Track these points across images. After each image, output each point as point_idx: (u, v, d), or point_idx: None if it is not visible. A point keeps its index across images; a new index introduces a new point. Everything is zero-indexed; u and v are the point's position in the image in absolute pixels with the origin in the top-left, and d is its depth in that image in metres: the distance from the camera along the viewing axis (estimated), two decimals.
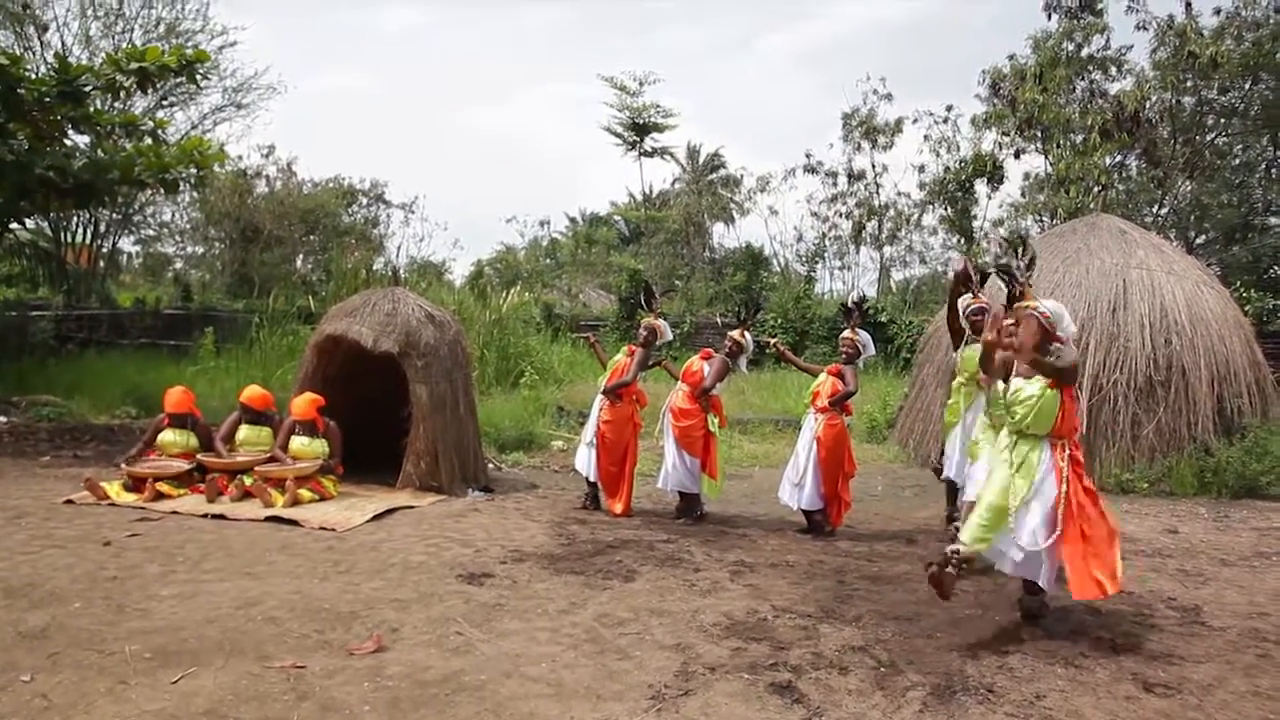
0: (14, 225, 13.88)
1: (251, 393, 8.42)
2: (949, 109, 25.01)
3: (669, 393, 8.05)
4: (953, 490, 7.32)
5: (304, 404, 8.08)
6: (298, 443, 8.00)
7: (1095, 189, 19.64)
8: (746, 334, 7.81)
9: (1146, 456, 9.99)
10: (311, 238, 25.65)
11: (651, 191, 34.46)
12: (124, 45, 16.85)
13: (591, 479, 8.04)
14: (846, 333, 7.52)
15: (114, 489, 7.56)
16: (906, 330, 20.03)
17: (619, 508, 7.84)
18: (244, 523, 6.92)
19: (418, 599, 5.14)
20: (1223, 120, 21.73)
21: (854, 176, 26.62)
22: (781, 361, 8.72)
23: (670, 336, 8.37)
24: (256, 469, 7.75)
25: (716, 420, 7.78)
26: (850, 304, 7.82)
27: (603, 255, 32.41)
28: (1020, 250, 5.28)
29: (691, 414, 7.68)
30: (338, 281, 17.27)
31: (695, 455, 7.68)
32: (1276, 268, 20.70)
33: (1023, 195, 24.25)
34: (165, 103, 20.00)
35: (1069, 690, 4.09)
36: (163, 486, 7.57)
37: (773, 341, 8.53)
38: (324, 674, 3.98)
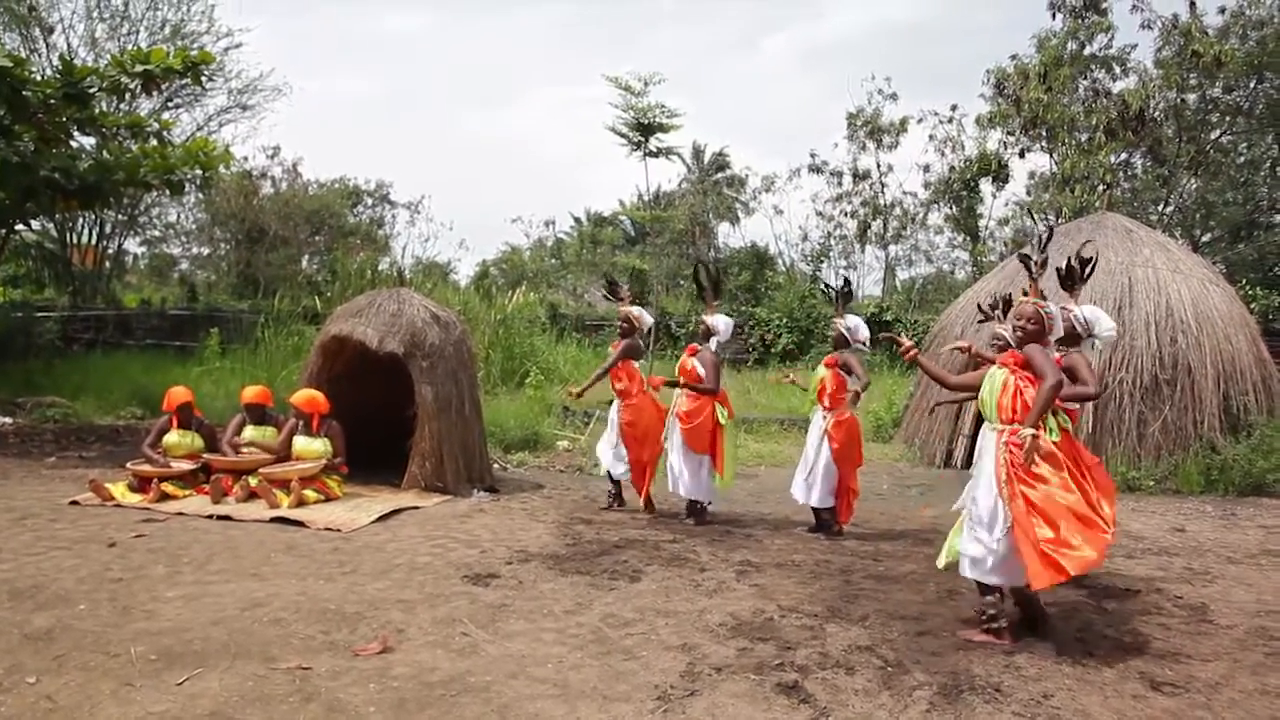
0: (20, 227, 13.91)
1: (251, 392, 8.42)
2: (954, 108, 25.05)
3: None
4: None
5: (304, 396, 8.08)
6: (300, 442, 8.00)
7: (1100, 187, 19.63)
8: (716, 315, 7.62)
9: (1153, 455, 9.99)
10: (317, 238, 25.69)
11: (658, 191, 34.47)
12: (129, 47, 16.87)
13: (615, 476, 8.05)
14: (836, 320, 7.31)
15: (119, 490, 7.57)
16: (912, 329, 20.01)
17: (643, 498, 7.90)
18: (249, 523, 6.92)
19: (423, 600, 5.14)
20: (1227, 119, 21.71)
21: (859, 176, 26.61)
22: (786, 361, 8.34)
23: (650, 321, 8.20)
24: (261, 470, 7.75)
25: (725, 412, 7.61)
26: (828, 288, 7.48)
27: (608, 255, 32.38)
28: (1040, 246, 5.18)
29: (696, 413, 7.52)
30: (343, 282, 17.29)
31: (704, 451, 7.52)
32: None
33: (1028, 194, 24.26)
34: (171, 104, 20.06)
35: (1076, 689, 4.07)
36: (168, 487, 7.59)
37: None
38: (329, 675, 3.97)
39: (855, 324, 7.28)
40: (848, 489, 7.36)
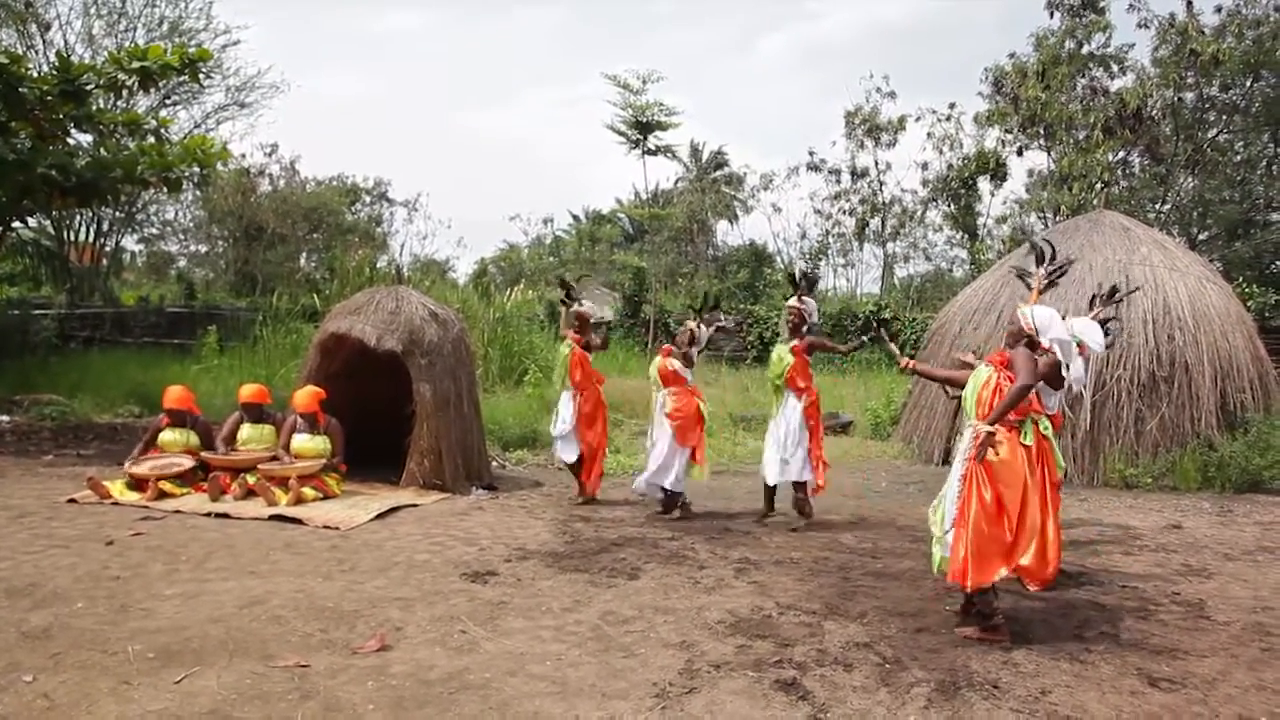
0: (17, 224, 13.89)
1: (249, 390, 8.40)
2: (952, 106, 25.09)
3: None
4: None
5: (305, 396, 8.07)
6: (300, 440, 7.99)
7: (1098, 186, 19.67)
8: (702, 326, 7.94)
9: (1150, 452, 9.99)
10: (315, 236, 25.72)
11: (657, 189, 34.49)
12: (127, 44, 16.85)
13: (569, 462, 8.35)
14: (792, 301, 7.59)
15: (117, 488, 7.56)
16: (910, 327, 20.01)
17: (589, 488, 8.20)
18: (247, 521, 6.91)
19: (421, 597, 5.14)
20: (1224, 117, 21.74)
21: (857, 174, 26.64)
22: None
23: (599, 314, 8.47)
24: (260, 467, 7.75)
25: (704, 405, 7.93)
26: (796, 274, 7.88)
27: (606, 253, 32.40)
28: (1041, 258, 5.43)
29: (684, 409, 7.67)
30: (341, 279, 17.27)
31: (690, 445, 7.68)
32: (1278, 263, 20.71)
33: (1026, 192, 24.31)
34: (168, 101, 20.07)
35: (1074, 685, 4.08)
36: (166, 485, 7.57)
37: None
38: (328, 673, 3.98)
39: (812, 307, 7.65)
40: (819, 457, 7.55)
